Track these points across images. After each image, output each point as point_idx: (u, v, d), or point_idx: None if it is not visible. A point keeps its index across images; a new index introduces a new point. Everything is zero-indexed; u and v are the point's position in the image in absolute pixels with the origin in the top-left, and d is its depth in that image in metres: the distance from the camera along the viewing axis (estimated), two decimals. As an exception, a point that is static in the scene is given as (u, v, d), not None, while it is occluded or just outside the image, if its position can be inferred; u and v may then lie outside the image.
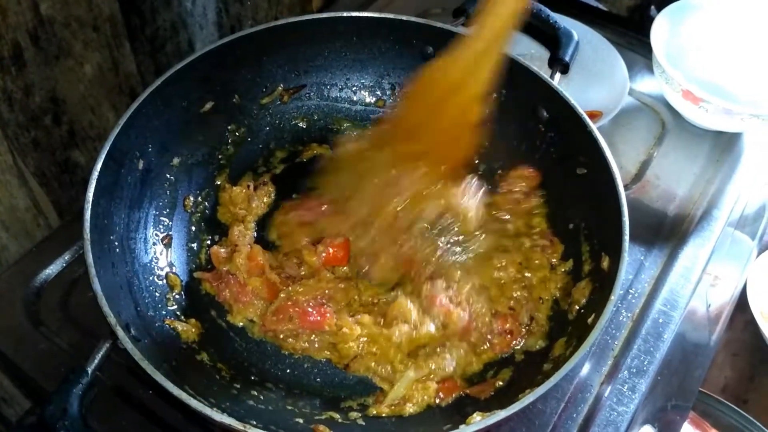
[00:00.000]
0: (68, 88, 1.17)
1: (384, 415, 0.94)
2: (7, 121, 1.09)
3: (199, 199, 1.13)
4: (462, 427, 0.84)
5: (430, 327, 0.98)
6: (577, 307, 0.98)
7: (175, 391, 0.78)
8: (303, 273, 1.05)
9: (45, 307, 1.05)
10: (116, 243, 0.96)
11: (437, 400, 0.96)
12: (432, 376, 0.97)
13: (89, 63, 1.18)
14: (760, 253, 1.59)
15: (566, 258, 1.06)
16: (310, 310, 1.00)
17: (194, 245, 1.10)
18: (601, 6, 1.61)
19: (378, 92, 1.26)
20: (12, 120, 1.10)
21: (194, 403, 0.78)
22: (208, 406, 0.79)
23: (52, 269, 1.09)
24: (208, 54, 1.08)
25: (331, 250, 1.05)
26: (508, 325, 1.01)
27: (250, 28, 1.13)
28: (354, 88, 1.25)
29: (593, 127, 1.03)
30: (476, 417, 0.89)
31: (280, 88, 1.21)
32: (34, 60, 1.08)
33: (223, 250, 1.07)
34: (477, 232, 1.06)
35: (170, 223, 1.09)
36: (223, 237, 1.11)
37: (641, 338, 1.08)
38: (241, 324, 1.03)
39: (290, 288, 1.03)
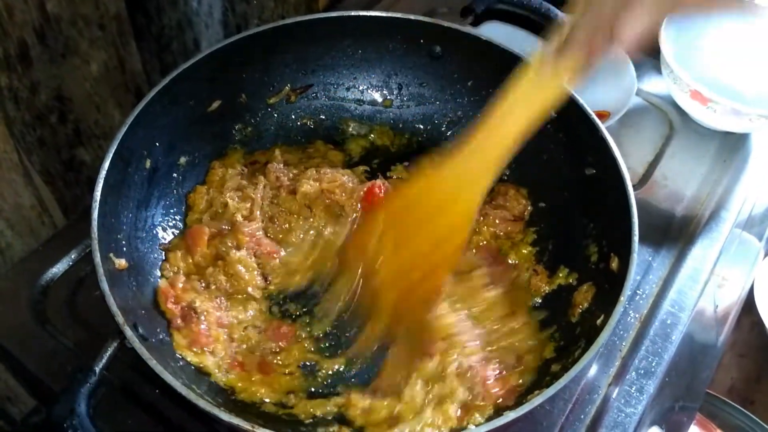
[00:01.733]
0: (74, 87, 1.16)
1: None
2: (13, 119, 1.09)
3: (207, 198, 1.13)
4: (470, 427, 0.84)
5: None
6: (580, 310, 0.98)
7: (183, 390, 0.78)
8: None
9: (51, 306, 1.05)
10: (123, 242, 0.96)
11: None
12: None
13: (95, 61, 1.18)
14: (767, 254, 1.58)
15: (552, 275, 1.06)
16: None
17: (201, 244, 1.09)
18: (607, 6, 1.61)
19: (386, 92, 1.25)
20: (18, 118, 1.10)
21: (202, 403, 0.78)
22: (215, 406, 0.78)
23: (58, 268, 1.08)
24: (215, 53, 1.08)
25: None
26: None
27: (256, 27, 1.13)
28: (361, 88, 1.25)
29: (602, 127, 1.03)
30: (479, 418, 0.89)
31: (287, 88, 1.20)
32: (40, 58, 1.08)
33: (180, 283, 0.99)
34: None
35: (178, 222, 1.08)
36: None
37: (649, 339, 1.08)
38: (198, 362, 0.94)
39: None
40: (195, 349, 0.93)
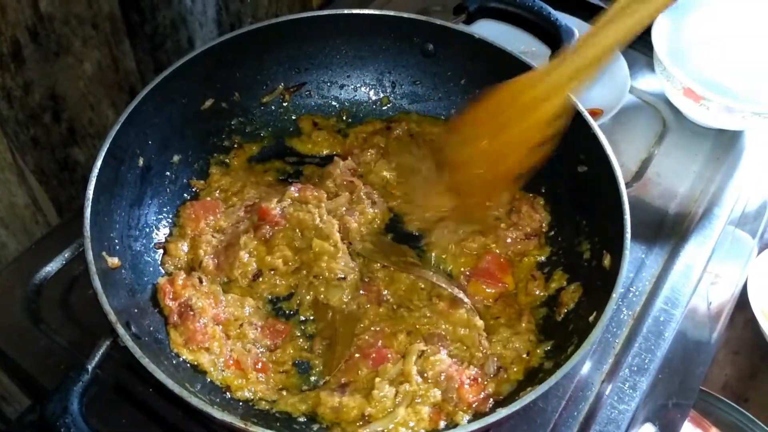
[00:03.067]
0: (68, 86, 1.16)
1: None
2: (7, 118, 1.09)
3: (200, 197, 1.13)
4: (463, 422, 0.85)
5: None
6: (566, 310, 0.99)
7: (176, 389, 0.78)
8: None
9: (45, 305, 1.05)
10: (116, 240, 0.96)
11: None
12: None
13: (89, 60, 1.18)
14: (760, 251, 1.59)
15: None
16: None
17: (194, 243, 1.09)
18: (601, 3, 1.61)
19: (379, 89, 1.25)
20: (11, 117, 1.10)
21: (195, 401, 0.78)
22: (208, 404, 0.78)
23: (51, 267, 1.08)
24: (208, 51, 1.08)
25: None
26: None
27: (250, 25, 1.13)
28: (355, 86, 1.25)
29: (595, 125, 1.03)
30: (466, 417, 0.89)
31: (280, 87, 1.21)
32: (34, 57, 1.08)
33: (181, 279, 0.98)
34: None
35: (171, 220, 1.08)
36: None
37: (642, 336, 1.08)
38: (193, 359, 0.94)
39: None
40: (191, 347, 0.93)
